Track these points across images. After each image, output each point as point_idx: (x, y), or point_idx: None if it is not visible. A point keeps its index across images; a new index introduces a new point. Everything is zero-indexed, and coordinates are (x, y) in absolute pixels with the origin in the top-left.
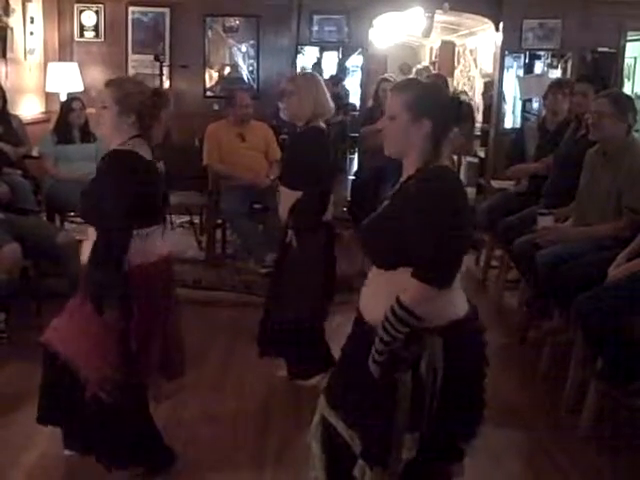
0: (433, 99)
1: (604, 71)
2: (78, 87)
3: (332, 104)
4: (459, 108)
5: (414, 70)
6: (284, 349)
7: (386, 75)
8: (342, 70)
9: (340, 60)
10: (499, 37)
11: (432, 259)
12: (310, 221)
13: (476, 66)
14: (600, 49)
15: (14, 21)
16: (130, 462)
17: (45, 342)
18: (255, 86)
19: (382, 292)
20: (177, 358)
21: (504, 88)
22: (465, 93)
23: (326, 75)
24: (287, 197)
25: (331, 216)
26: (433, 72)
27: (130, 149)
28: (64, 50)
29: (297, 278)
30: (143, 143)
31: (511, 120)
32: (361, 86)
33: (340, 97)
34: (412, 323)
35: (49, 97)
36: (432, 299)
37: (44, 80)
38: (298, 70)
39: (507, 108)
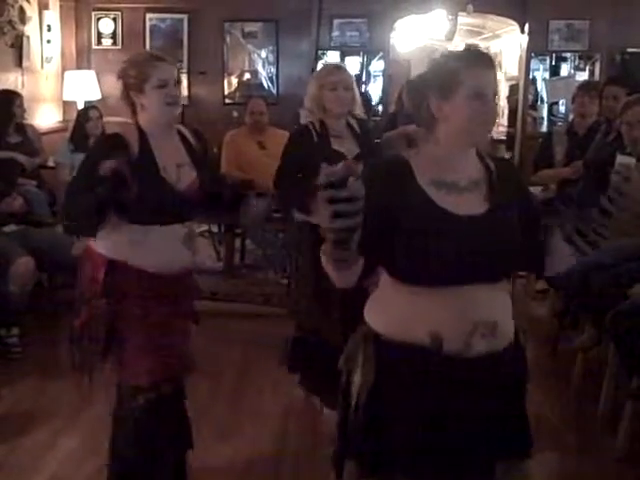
0: None
1: (634, 72)
2: (96, 95)
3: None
4: None
5: None
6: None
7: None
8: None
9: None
10: (524, 39)
11: None
12: None
13: (501, 69)
14: (630, 50)
15: (30, 29)
16: None
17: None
18: (275, 92)
19: (509, 306)
20: None
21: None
22: None
23: None
24: None
25: None
26: None
27: None
28: (81, 58)
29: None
30: None
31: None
32: (383, 91)
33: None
34: None
35: (67, 106)
36: None
37: (61, 89)
38: None
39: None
